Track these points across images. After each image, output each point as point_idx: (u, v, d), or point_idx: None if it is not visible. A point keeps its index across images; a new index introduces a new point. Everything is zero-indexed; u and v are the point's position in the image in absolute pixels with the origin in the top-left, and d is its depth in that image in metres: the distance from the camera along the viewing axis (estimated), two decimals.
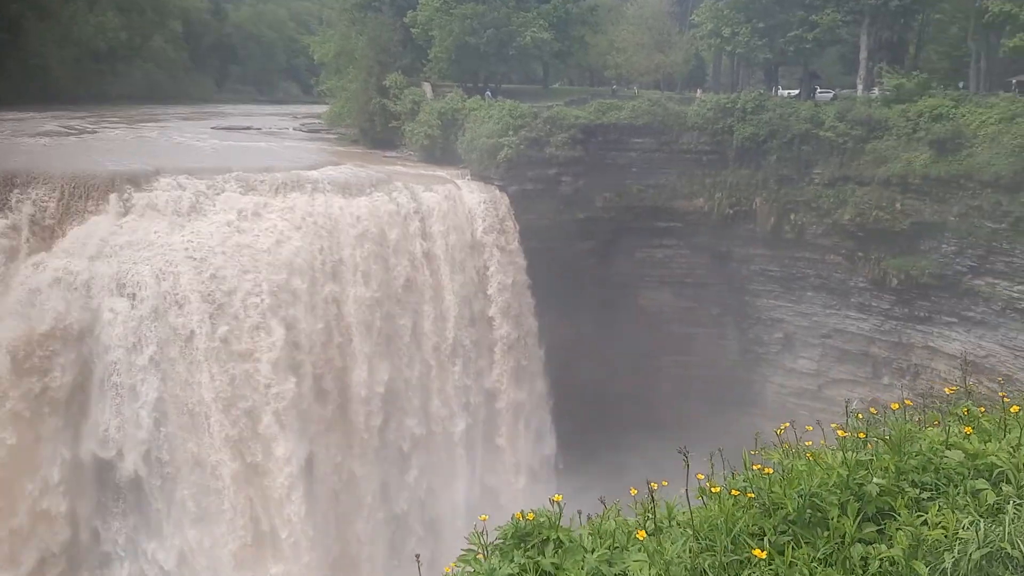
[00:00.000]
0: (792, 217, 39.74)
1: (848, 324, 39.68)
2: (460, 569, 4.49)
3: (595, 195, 39.97)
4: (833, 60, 55.97)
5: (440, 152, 40.57)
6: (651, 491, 4.55)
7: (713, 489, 4.83)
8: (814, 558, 4.16)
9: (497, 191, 36.44)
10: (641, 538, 4.26)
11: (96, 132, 42.34)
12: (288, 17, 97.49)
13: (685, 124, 40.63)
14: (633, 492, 5.54)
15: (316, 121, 55.97)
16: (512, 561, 4.35)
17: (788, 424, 5.43)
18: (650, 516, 4.55)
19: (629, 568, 4.15)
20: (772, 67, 49.93)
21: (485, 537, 4.62)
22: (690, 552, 4.12)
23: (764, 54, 46.12)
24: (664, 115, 40.68)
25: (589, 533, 4.60)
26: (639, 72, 51.92)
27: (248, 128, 49.54)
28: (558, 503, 4.80)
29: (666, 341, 41.24)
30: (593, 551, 4.40)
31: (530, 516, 4.65)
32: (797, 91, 49.51)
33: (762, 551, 4.12)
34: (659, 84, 52.07)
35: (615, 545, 4.49)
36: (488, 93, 44.85)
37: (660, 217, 40.93)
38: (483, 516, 4.66)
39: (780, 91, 49.59)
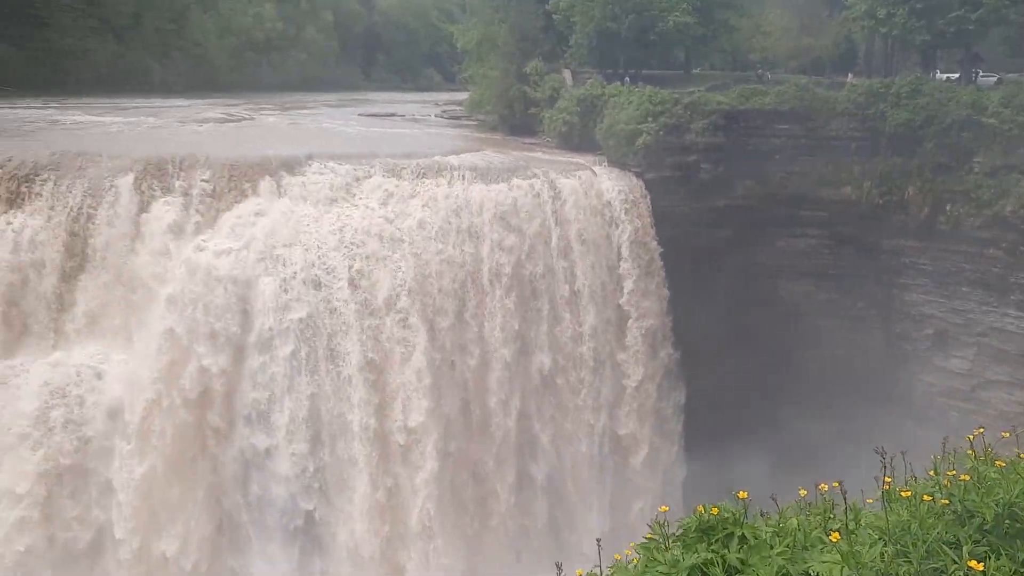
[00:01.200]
0: (948, 208, 37.64)
1: (1007, 323, 37.28)
2: (641, 557, 4.58)
3: (735, 183, 39.06)
4: (998, 42, 52.39)
5: (578, 139, 40.58)
6: (843, 491, 4.51)
7: (903, 493, 4.74)
8: (1014, 571, 4.03)
9: (634, 178, 36.17)
10: (835, 540, 4.23)
11: (253, 119, 44.62)
12: (432, 5, 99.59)
13: (834, 110, 39.09)
14: (803, 492, 5.49)
15: (457, 108, 57.07)
16: (696, 553, 4.42)
17: (981, 430, 5.24)
18: (832, 516, 4.51)
19: (813, 568, 4.14)
20: (930, 49, 47.24)
21: (667, 528, 4.70)
22: (882, 557, 4.07)
23: (922, 36, 43.66)
24: (811, 100, 39.28)
25: (773, 531, 4.60)
26: (785, 56, 50.24)
27: (392, 115, 51.07)
28: (743, 500, 4.82)
29: (806, 334, 39.97)
30: (772, 548, 4.40)
31: (714, 511, 4.70)
32: (957, 75, 46.69)
33: (961, 560, 4.02)
34: (806, 68, 50.21)
35: (795, 544, 4.48)
36: (628, 79, 44.48)
37: (803, 206, 39.59)
38: (664, 507, 4.72)
39: (938, 75, 46.91)
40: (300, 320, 26.69)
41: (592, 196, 34.31)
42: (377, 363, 27.50)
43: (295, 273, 27.07)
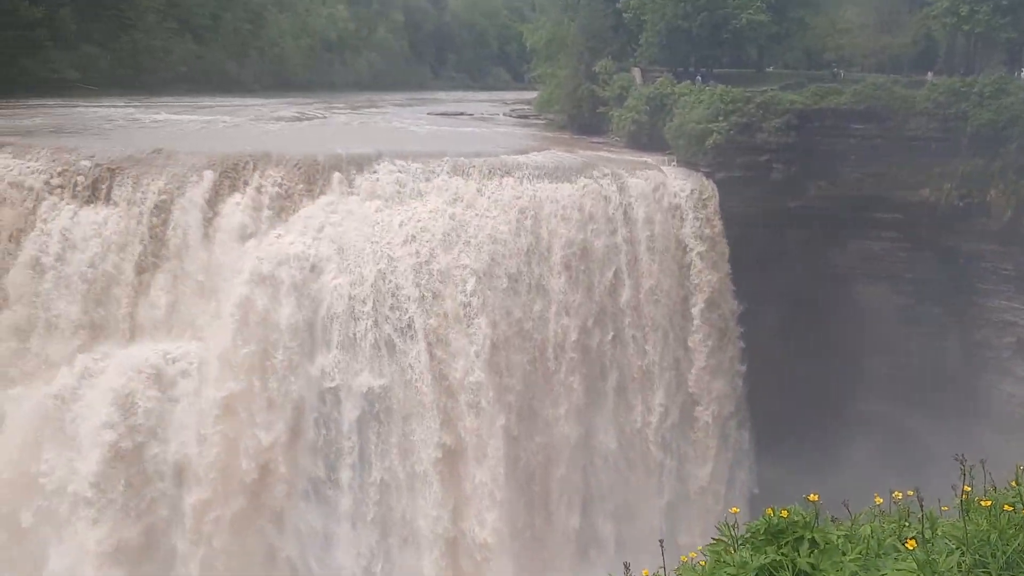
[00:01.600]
0: None
1: None
2: (708, 558, 4.52)
3: (808, 183, 38.29)
4: None
5: (647, 138, 40.24)
6: (919, 498, 4.38)
7: (983, 503, 4.58)
8: None
9: (703, 178, 35.73)
10: (911, 547, 4.11)
11: (325, 118, 45.42)
12: (502, 5, 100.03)
13: (912, 109, 38.01)
14: (878, 500, 5.35)
15: (525, 107, 57.17)
16: (765, 555, 4.34)
17: None
18: (907, 524, 4.38)
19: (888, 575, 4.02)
20: (1015, 47, 45.58)
21: (735, 530, 4.63)
22: (960, 567, 3.94)
23: (1007, 33, 42.17)
24: (889, 99, 38.25)
25: (844, 536, 4.49)
26: (862, 54, 48.99)
27: (461, 114, 51.41)
28: (814, 503, 4.72)
29: (879, 341, 38.94)
30: (844, 554, 4.30)
31: (783, 513, 4.61)
32: None
33: None
34: (883, 67, 48.86)
35: (868, 551, 4.36)
36: (699, 78, 43.94)
37: (879, 208, 38.60)
38: (734, 508, 4.64)
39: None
40: (367, 312, 27.17)
41: (662, 198, 34.02)
42: (438, 356, 27.74)
43: (362, 271, 27.47)
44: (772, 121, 37.32)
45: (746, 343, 35.62)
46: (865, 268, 39.45)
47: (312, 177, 29.30)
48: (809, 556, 4.27)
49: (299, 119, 43.88)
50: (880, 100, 38.12)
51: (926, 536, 4.29)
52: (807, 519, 4.54)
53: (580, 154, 36.07)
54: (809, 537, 4.42)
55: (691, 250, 34.17)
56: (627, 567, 4.79)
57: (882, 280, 39.55)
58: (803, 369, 37.10)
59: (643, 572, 4.99)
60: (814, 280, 38.28)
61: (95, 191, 28.42)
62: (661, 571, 4.76)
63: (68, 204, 28.31)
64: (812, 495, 4.76)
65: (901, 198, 38.35)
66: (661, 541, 5.23)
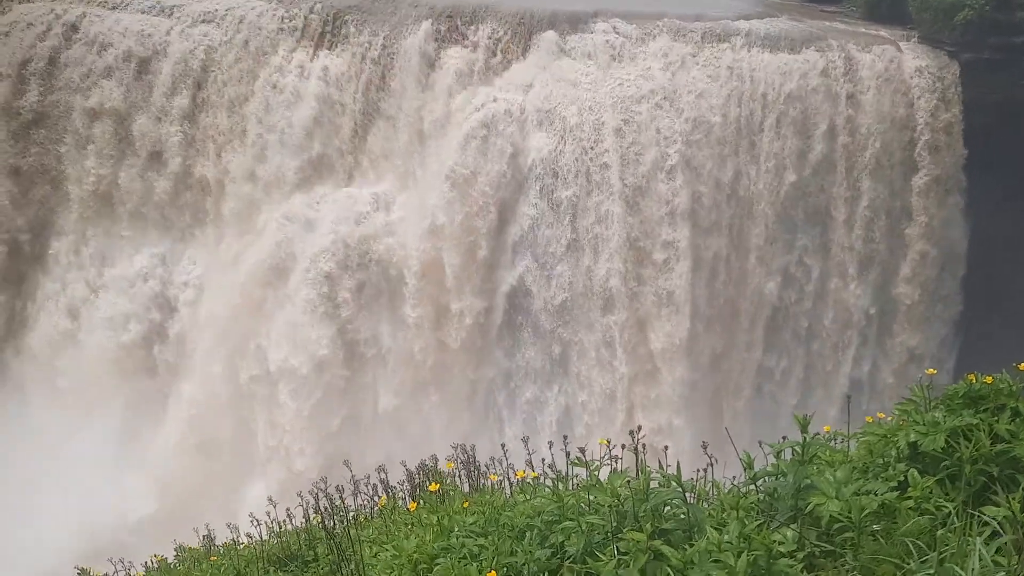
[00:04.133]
0: None
1: None
2: (896, 415, 4.44)
3: None
4: None
5: (887, 9, 36.63)
6: None
7: None
8: None
9: (946, 58, 32.35)
10: None
11: None
12: None
13: None
14: None
15: None
16: (960, 417, 4.22)
17: None
18: None
19: None
20: None
21: (929, 392, 4.50)
22: None
23: None
24: None
25: None
26: None
27: None
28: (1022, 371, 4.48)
29: None
30: None
31: (987, 379, 4.42)
32: None
33: None
34: None
35: None
36: None
37: None
38: (930, 370, 4.51)
39: None
40: (568, 169, 27.43)
41: (892, 73, 31.24)
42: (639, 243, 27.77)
43: (568, 133, 27.57)
44: None
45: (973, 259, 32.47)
46: None
47: (526, 34, 29.29)
48: (1010, 424, 4.10)
49: None
50: None
51: None
52: (1013, 388, 4.33)
53: (808, 23, 33.57)
54: (1012, 406, 4.23)
55: (920, 138, 31.42)
56: (805, 419, 4.73)
57: None
58: None
59: (825, 428, 4.99)
60: None
61: (324, 37, 29.88)
62: (845, 427, 4.73)
63: (298, 49, 29.99)
64: (1022, 364, 4.50)
65: None
66: (848, 396, 5.17)
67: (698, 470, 5.06)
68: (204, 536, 9.40)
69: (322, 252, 28.25)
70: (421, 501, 6.87)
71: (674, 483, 4.73)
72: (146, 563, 8.74)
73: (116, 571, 8.48)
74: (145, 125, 30.77)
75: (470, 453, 8.86)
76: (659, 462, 5.30)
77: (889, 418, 4.55)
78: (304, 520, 8.74)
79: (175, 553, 9.17)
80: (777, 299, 30.08)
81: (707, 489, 5.27)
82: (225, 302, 29.34)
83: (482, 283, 28.14)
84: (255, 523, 8.56)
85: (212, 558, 8.56)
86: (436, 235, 27.87)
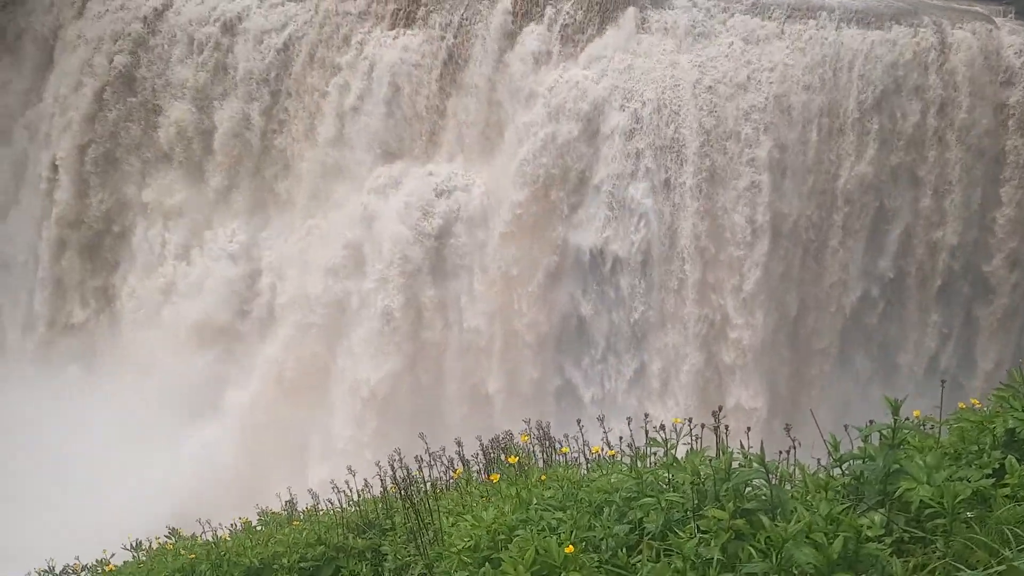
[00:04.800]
0: None
1: None
2: (993, 401, 4.29)
3: None
4: None
5: None
6: None
7: None
8: None
9: None
10: None
11: None
12: None
13: None
14: None
15: None
16: None
17: None
18: None
19: None
20: None
21: None
22: None
23: None
24: None
25: None
26: None
27: None
28: None
29: None
30: None
31: None
32: None
33: None
34: None
35: None
36: None
37: None
38: None
39: None
40: (646, 148, 27.12)
41: (988, 52, 29.88)
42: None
43: (646, 111, 27.24)
44: None
45: None
46: None
47: (606, 10, 28.97)
48: None
49: None
50: None
51: None
52: None
53: None
54: None
55: (1017, 125, 29.96)
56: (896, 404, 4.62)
57: None
58: None
59: (914, 413, 4.86)
60: None
61: (402, 13, 30.11)
62: (937, 411, 4.61)
63: (378, 26, 30.31)
64: None
65: None
66: (943, 381, 5.04)
67: (780, 452, 4.99)
68: (287, 501, 9.69)
69: (401, 228, 28.66)
70: (500, 473, 6.94)
71: (756, 463, 4.69)
72: (232, 523, 9.07)
73: (203, 531, 8.82)
74: (229, 103, 31.66)
75: (544, 429, 8.92)
76: (740, 443, 5.25)
77: (982, 406, 4.41)
78: (382, 490, 8.93)
79: (258, 516, 9.48)
80: (863, 279, 29.36)
81: (790, 471, 5.20)
82: (307, 275, 30.10)
83: (560, 258, 28.20)
84: (335, 490, 8.79)
85: (294, 522, 8.83)
86: (513, 212, 27.94)
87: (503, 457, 8.85)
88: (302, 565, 8.02)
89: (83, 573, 8.39)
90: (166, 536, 9.41)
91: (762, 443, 4.59)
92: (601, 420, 6.87)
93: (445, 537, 6.52)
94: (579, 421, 7.01)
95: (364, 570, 7.95)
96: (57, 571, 8.82)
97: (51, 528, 22.92)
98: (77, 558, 8.62)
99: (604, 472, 6.12)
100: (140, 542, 9.15)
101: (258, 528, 8.98)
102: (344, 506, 8.91)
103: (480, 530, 5.67)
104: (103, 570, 8.73)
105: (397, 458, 8.59)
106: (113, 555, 8.98)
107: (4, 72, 36.73)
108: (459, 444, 8.89)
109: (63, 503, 26.37)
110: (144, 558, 8.80)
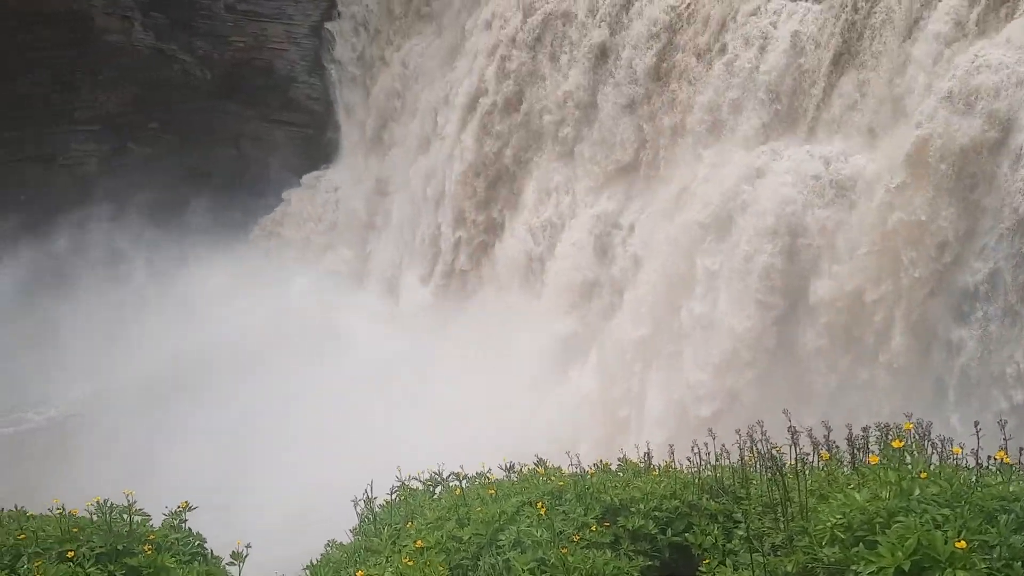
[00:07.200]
0: None
1: None
2: None
3: None
4: None
5: None
6: None
7: None
8: None
9: None
10: None
11: None
12: None
13: None
14: None
15: None
16: None
17: None
18: None
19: None
20: None
21: None
22: None
23: None
24: None
25: None
26: None
27: None
28: None
29: None
30: None
31: None
32: None
33: None
34: None
35: None
36: None
37: None
38: None
39: None
40: None
41: None
42: None
43: None
44: None
45: None
46: None
47: None
48: None
49: None
50: None
51: None
52: None
53: None
54: None
55: None
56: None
57: None
58: None
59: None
60: None
61: None
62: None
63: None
64: None
65: None
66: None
67: None
68: (644, 453, 10.11)
69: (768, 208, 27.74)
70: (882, 458, 6.70)
71: None
72: (594, 464, 9.69)
73: (570, 463, 9.55)
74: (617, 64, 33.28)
75: (925, 427, 8.41)
76: None
77: None
78: (739, 459, 9.01)
79: (618, 461, 10.01)
80: None
81: None
82: (663, 248, 30.52)
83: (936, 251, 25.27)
84: (695, 450, 9.02)
85: (652, 472, 9.21)
86: (892, 206, 25.63)
87: (870, 444, 8.49)
88: (656, 514, 8.37)
89: (466, 480, 9.49)
90: (534, 464, 10.28)
91: None
92: (1002, 425, 6.28)
93: (810, 513, 6.44)
94: (976, 423, 6.47)
95: (716, 531, 8.10)
96: (444, 475, 10.05)
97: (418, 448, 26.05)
98: (461, 466, 9.74)
99: (1004, 479, 5.66)
100: (513, 464, 10.12)
101: (619, 473, 9.49)
102: (699, 467, 9.09)
103: (854, 510, 5.54)
104: (486, 480, 9.80)
105: (760, 430, 8.61)
106: (490, 469, 10.05)
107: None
108: (827, 428, 8.66)
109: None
110: (515, 479, 9.72)
